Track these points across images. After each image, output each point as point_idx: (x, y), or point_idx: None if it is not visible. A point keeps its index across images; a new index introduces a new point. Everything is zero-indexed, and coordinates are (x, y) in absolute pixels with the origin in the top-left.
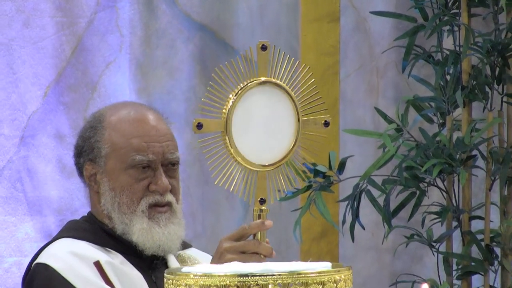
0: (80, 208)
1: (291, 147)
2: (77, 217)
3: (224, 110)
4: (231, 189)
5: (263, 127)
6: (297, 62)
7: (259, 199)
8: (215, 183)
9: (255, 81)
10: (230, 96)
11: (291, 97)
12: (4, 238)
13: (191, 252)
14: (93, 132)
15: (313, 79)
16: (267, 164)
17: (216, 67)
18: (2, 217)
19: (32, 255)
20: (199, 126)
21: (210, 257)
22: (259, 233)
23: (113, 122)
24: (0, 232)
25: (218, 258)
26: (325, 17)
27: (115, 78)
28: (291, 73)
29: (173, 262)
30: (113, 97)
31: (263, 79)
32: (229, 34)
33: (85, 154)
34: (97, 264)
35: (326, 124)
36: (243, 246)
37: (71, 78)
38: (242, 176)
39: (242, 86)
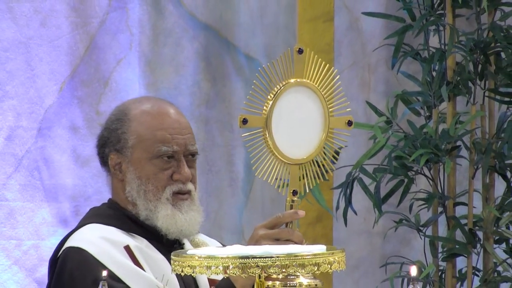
0: (93, 195)
1: (320, 143)
2: (90, 203)
3: (265, 108)
4: (268, 181)
5: (297, 124)
6: (327, 65)
7: (291, 190)
8: (256, 174)
9: (291, 82)
10: (271, 95)
11: (322, 97)
12: (23, 223)
13: (202, 237)
14: (120, 124)
15: (340, 82)
16: (299, 158)
17: (220, 63)
18: (21, 203)
19: (49, 238)
20: (244, 121)
21: (217, 243)
22: (291, 221)
23: (139, 115)
24: (19, 217)
25: (254, 243)
26: (320, 17)
27: (126, 74)
28: (321, 75)
29: (188, 246)
30: (124, 92)
31: (293, 80)
32: (231, 33)
33: (111, 144)
34: (127, 248)
35: (350, 123)
36: (278, 233)
37: (84, 74)
38: (278, 168)
39: (281, 86)
